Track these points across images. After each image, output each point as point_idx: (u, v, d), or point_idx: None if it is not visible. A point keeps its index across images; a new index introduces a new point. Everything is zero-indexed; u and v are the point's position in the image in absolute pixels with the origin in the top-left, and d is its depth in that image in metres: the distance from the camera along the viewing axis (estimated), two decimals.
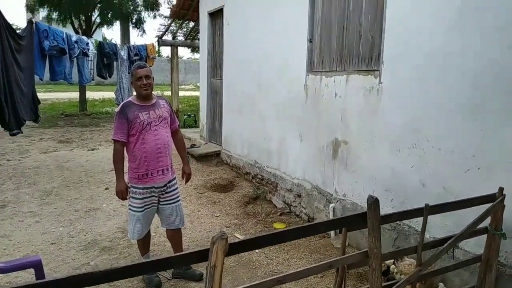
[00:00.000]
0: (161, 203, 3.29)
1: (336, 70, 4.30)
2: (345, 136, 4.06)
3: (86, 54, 8.95)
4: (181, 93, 16.92)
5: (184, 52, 30.05)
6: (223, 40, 6.86)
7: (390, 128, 3.51)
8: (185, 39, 12.75)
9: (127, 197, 3.20)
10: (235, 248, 1.84)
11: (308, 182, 4.63)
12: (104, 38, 28.10)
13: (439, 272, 2.56)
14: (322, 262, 2.14)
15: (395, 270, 3.03)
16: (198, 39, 9.38)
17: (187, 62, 29.68)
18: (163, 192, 3.26)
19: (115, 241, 4.06)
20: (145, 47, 10.27)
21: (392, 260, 3.13)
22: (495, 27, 2.68)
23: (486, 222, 2.52)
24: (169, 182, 3.27)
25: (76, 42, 8.56)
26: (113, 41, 11.49)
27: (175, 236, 3.45)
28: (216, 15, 7.24)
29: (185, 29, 16.11)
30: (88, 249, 3.88)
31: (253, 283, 1.99)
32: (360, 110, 3.86)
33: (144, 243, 3.38)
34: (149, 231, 3.39)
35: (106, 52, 9.58)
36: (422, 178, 3.18)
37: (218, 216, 4.72)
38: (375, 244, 2.14)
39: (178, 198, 3.38)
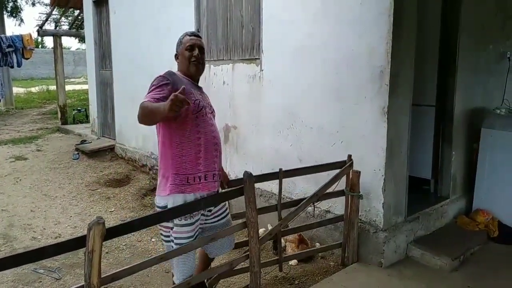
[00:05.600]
0: (207, 222, 2.35)
1: (223, 59, 4.47)
2: (234, 121, 4.27)
3: None
4: (70, 87, 15.69)
5: (71, 43, 27.73)
6: (111, 29, 6.57)
7: (272, 112, 3.80)
8: (70, 28, 11.79)
9: (181, 99, 1.83)
10: (112, 232, 1.88)
11: None
12: None
13: (304, 228, 2.96)
14: (205, 235, 2.29)
15: (287, 244, 3.35)
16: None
17: (76, 53, 27.34)
18: (213, 206, 2.34)
19: None
20: (20, 37, 9.27)
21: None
22: (349, 18, 3.08)
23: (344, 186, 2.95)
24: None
25: None
26: None
27: (211, 260, 2.58)
28: (101, 3, 6.88)
29: (70, 18, 14.87)
30: None
31: (138, 262, 2.05)
32: (246, 96, 4.10)
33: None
34: None
35: None
36: (299, 155, 3.54)
37: (112, 211, 4.60)
38: (251, 214, 2.36)
39: (228, 211, 2.47)
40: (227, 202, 2.48)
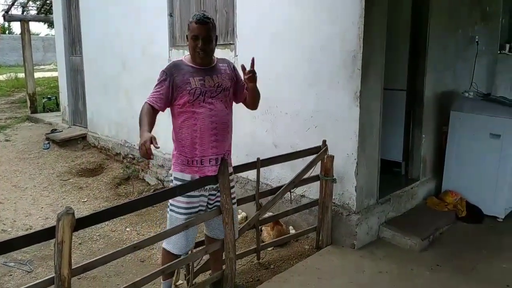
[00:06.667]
0: (210, 206, 2.43)
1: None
2: None
3: None
4: (40, 74, 15.13)
5: (40, 28, 26.61)
6: (80, 13, 6.34)
7: None
8: (38, 13, 11.32)
9: (151, 155, 2.04)
10: (83, 223, 1.85)
11: None
12: None
13: (281, 215, 2.99)
14: (169, 224, 2.29)
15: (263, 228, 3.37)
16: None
17: (46, 39, 26.27)
18: (216, 191, 2.38)
19: None
20: None
21: None
22: (322, 4, 3.07)
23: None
24: None
25: None
26: None
27: (217, 247, 2.53)
28: None
29: (38, 2, 14.24)
30: None
31: (110, 252, 2.03)
32: None
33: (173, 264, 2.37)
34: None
35: None
36: (275, 140, 3.55)
37: (85, 201, 4.52)
38: (226, 200, 2.36)
39: (234, 200, 2.49)
40: (235, 185, 2.52)
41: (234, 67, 2.46)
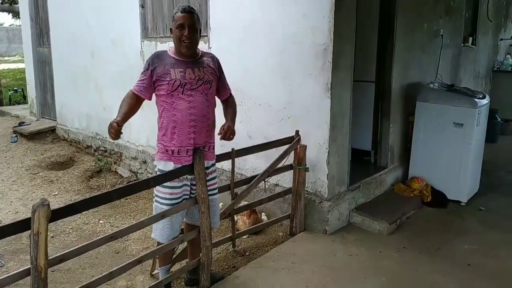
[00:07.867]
0: (192, 195, 2.47)
1: (170, 36, 4.35)
2: None
3: None
4: (5, 66, 14.51)
5: (4, 18, 25.40)
6: (48, 4, 6.14)
7: None
8: (2, 3, 10.87)
9: (114, 131, 2.12)
10: (58, 214, 1.85)
11: (152, 148, 4.69)
12: None
13: (255, 204, 3.05)
14: (155, 214, 2.31)
15: (238, 217, 3.43)
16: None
17: (10, 30, 25.11)
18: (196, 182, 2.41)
19: None
20: None
21: None
22: None
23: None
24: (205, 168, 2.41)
25: None
26: None
27: (194, 235, 2.57)
28: None
29: None
30: None
31: (87, 242, 2.05)
32: None
33: (168, 250, 2.51)
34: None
35: None
36: (249, 131, 3.61)
37: (56, 195, 4.44)
38: (202, 190, 2.40)
39: (214, 191, 2.54)
40: (216, 175, 2.57)
41: (218, 62, 2.47)
